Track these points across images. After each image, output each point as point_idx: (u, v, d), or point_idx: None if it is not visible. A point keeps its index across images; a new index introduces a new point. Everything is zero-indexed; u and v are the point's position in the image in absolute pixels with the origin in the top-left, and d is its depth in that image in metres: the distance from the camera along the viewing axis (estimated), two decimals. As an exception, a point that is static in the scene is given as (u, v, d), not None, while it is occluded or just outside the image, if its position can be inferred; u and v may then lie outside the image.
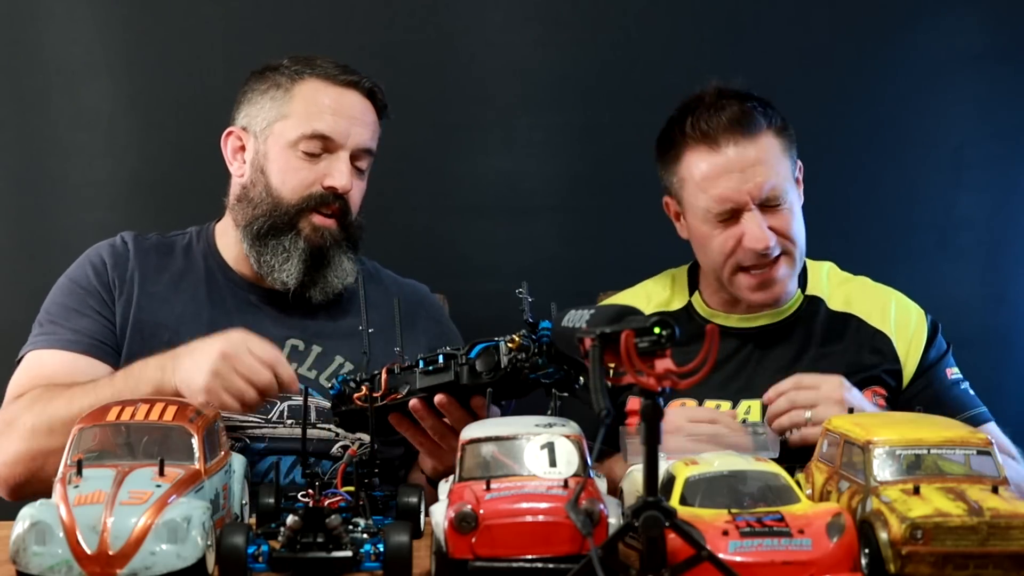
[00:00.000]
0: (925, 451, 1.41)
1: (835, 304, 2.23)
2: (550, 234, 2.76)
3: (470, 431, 1.44)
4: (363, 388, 1.74)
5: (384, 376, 1.73)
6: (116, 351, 2.09)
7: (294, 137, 2.10)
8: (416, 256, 2.61)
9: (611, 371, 1.28)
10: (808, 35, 2.76)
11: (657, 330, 1.22)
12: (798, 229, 2.16)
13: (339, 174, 2.10)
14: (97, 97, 2.70)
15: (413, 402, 1.72)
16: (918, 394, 2.16)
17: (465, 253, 2.73)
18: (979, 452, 1.41)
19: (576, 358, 1.54)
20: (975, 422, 2.12)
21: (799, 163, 2.20)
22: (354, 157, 2.13)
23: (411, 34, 2.73)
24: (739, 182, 2.12)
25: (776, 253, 2.14)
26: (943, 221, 2.80)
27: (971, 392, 2.20)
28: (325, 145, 2.10)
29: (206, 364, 1.80)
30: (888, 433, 1.43)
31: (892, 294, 2.26)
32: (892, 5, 2.77)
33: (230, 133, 2.18)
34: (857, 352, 2.18)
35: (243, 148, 2.16)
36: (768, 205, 2.13)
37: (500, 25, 2.76)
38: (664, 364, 1.21)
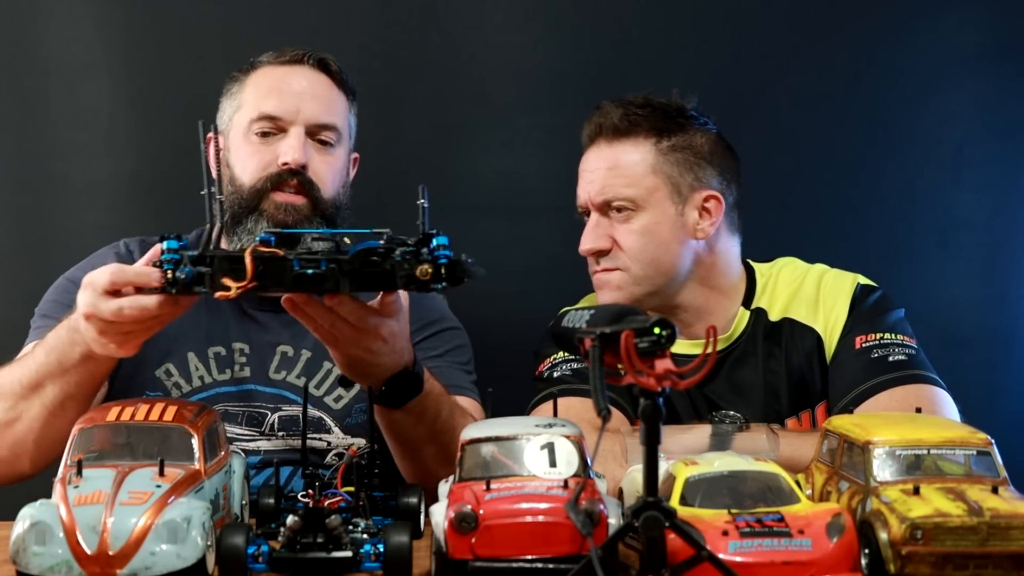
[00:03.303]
0: (925, 451, 1.41)
1: (774, 313, 2.20)
2: (550, 234, 2.75)
3: (470, 431, 1.44)
4: (224, 280, 1.48)
5: (250, 263, 1.47)
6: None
7: (246, 123, 2.09)
8: (416, 256, 2.60)
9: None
10: (808, 35, 2.75)
11: (657, 330, 1.23)
12: (639, 249, 2.12)
13: (289, 148, 2.05)
14: (97, 97, 2.69)
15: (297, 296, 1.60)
16: (832, 374, 2.13)
17: (465, 253, 2.72)
18: (979, 452, 1.41)
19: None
20: (870, 393, 2.04)
21: (711, 193, 2.14)
22: (313, 132, 2.08)
23: (411, 34, 2.72)
24: (586, 183, 2.17)
25: (603, 264, 2.14)
26: (943, 221, 2.80)
27: (892, 358, 2.08)
28: (276, 125, 2.07)
29: (91, 334, 1.64)
30: (888, 433, 1.43)
31: (824, 276, 2.22)
32: (892, 5, 2.77)
33: (209, 138, 2.17)
34: (792, 358, 2.16)
35: (220, 150, 2.14)
36: (609, 213, 2.13)
37: (500, 25, 2.76)
38: (664, 364, 1.21)
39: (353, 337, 1.68)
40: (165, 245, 1.50)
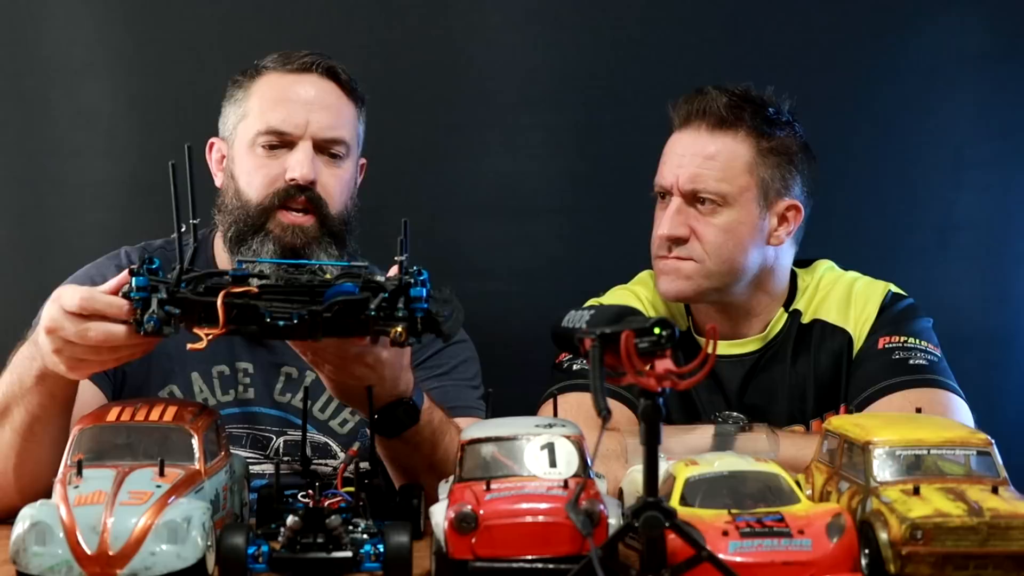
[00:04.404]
0: (925, 451, 1.41)
1: (807, 315, 2.21)
2: (550, 234, 2.76)
3: (470, 432, 1.44)
4: (196, 330, 1.45)
5: (222, 312, 1.44)
6: (105, 374, 1.97)
7: (252, 135, 2.01)
8: (416, 256, 2.60)
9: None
10: (808, 35, 2.75)
11: (657, 330, 1.23)
12: (718, 245, 2.10)
13: (297, 164, 1.97)
14: (97, 97, 2.69)
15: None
16: (853, 371, 2.13)
17: (465, 253, 2.72)
18: (979, 453, 1.41)
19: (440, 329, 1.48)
20: (889, 391, 2.05)
21: (793, 203, 2.15)
22: (322, 146, 2.02)
23: (411, 34, 2.72)
24: (676, 165, 2.13)
25: (677, 252, 2.12)
26: (943, 221, 2.80)
27: (913, 361, 2.08)
28: (282, 139, 2.00)
29: (46, 348, 1.59)
30: (888, 433, 1.43)
31: (856, 282, 2.23)
32: (892, 5, 2.77)
33: (211, 144, 2.12)
34: (820, 359, 2.16)
35: (223, 157, 2.10)
36: (695, 202, 2.11)
37: (500, 25, 2.75)
38: (664, 364, 1.21)
39: (337, 363, 1.65)
40: (134, 282, 1.46)
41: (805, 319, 2.20)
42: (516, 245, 2.75)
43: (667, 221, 2.12)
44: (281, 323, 1.44)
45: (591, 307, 1.44)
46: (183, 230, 1.54)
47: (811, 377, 2.16)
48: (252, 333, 1.47)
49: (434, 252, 2.72)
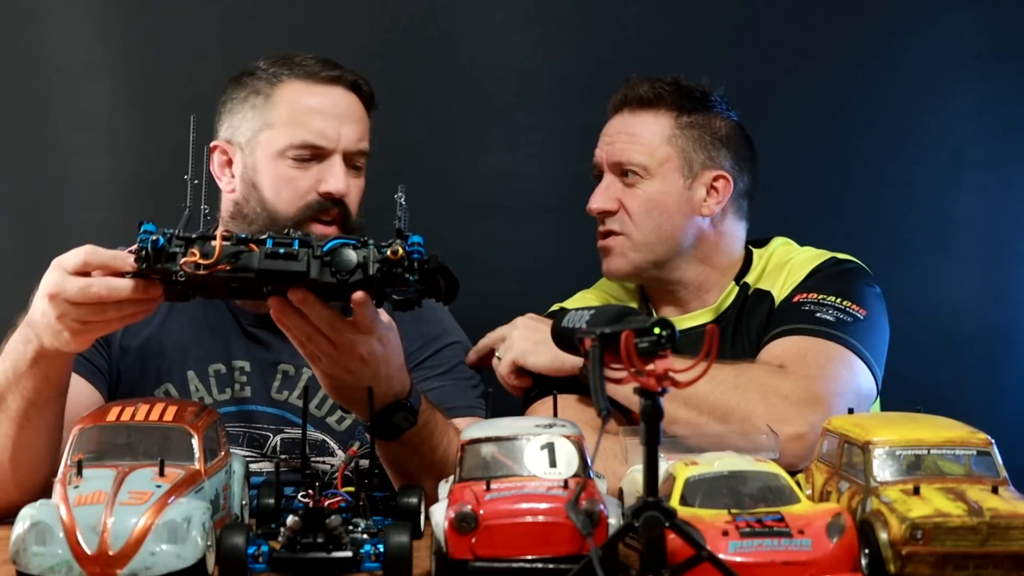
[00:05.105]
0: (925, 451, 1.41)
1: (752, 287, 2.21)
2: (550, 234, 2.76)
3: (470, 431, 1.44)
4: (192, 252, 1.49)
5: (219, 242, 1.49)
6: (100, 372, 2.01)
7: (282, 146, 2.01)
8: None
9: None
10: (808, 35, 2.76)
11: (657, 330, 1.23)
12: (643, 215, 2.17)
13: (334, 178, 2.00)
14: (97, 97, 2.69)
15: (274, 303, 1.57)
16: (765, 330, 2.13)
17: (465, 253, 2.71)
18: (979, 452, 1.41)
19: (441, 278, 1.54)
20: (779, 336, 2.05)
21: (721, 173, 2.18)
22: (348, 158, 2.04)
23: (411, 34, 2.73)
24: (605, 144, 2.24)
25: (608, 225, 2.21)
26: (943, 221, 2.80)
27: (819, 315, 2.04)
28: (315, 151, 2.01)
29: (48, 318, 1.61)
30: (888, 433, 1.43)
31: (802, 253, 2.23)
32: (892, 5, 2.77)
33: (215, 147, 2.08)
34: (752, 326, 2.16)
35: (230, 162, 2.07)
36: (622, 176, 2.20)
37: (500, 25, 2.76)
38: (664, 364, 1.21)
39: (332, 354, 1.64)
40: (143, 227, 1.51)
41: (750, 291, 2.21)
42: (516, 245, 2.75)
43: (596, 196, 2.23)
44: (282, 251, 1.49)
45: (588, 308, 1.44)
46: (196, 181, 1.60)
47: (749, 346, 2.15)
48: (248, 278, 1.50)
49: (434, 252, 2.73)
